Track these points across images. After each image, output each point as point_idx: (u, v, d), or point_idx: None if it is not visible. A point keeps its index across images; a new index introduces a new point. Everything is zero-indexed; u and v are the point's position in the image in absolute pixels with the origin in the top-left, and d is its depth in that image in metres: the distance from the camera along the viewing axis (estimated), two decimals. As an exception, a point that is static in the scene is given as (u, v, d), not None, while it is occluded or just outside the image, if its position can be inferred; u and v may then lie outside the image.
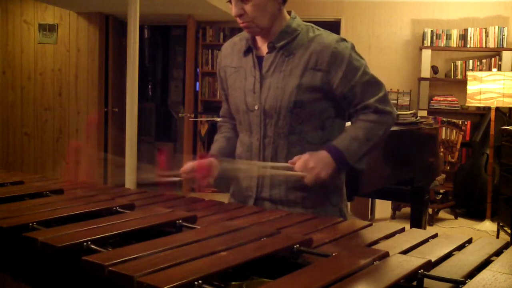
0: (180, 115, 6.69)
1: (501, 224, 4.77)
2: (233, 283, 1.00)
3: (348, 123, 1.75)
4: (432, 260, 1.03)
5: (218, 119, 1.95)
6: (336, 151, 1.59)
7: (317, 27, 1.70)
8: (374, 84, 1.67)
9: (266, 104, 1.65)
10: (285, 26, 1.66)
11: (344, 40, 1.66)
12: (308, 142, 1.66)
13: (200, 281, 0.88)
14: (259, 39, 1.71)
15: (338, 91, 1.63)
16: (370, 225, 1.36)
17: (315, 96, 1.62)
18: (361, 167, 1.65)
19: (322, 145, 1.64)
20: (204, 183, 1.67)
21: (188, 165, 1.70)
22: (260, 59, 1.69)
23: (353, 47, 1.67)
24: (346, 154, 1.60)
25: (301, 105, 1.62)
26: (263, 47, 1.70)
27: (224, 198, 1.79)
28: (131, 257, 0.98)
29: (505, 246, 1.18)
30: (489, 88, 5.24)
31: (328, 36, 1.65)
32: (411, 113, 3.47)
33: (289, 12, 1.70)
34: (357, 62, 1.65)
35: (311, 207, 1.67)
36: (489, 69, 6.09)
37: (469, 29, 6.24)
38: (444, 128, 6.15)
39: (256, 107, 1.67)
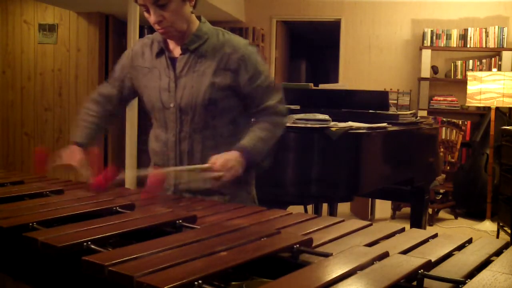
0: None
1: (501, 224, 4.77)
2: (233, 283, 1.00)
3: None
4: (432, 260, 1.03)
5: None
6: (246, 151, 1.73)
7: (226, 31, 1.83)
8: (274, 88, 1.84)
9: (181, 102, 1.76)
10: (196, 29, 1.78)
11: (252, 45, 1.82)
12: (221, 136, 1.79)
13: (200, 281, 0.88)
14: (171, 42, 1.81)
15: (244, 90, 1.77)
16: (370, 225, 1.36)
17: (226, 93, 1.76)
18: (265, 165, 1.85)
19: (232, 138, 1.78)
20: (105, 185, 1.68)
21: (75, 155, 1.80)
22: (172, 60, 1.79)
23: (258, 52, 1.83)
24: (254, 153, 1.75)
25: (214, 102, 1.75)
26: (175, 49, 1.80)
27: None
28: (131, 257, 0.98)
29: (505, 246, 1.18)
30: (489, 88, 5.24)
31: (237, 40, 1.80)
32: (411, 113, 3.47)
33: (198, 17, 1.81)
34: (262, 67, 1.81)
35: (228, 195, 1.79)
36: (489, 69, 6.09)
37: (469, 29, 6.24)
38: (444, 128, 6.15)
39: (171, 105, 1.77)
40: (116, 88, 1.94)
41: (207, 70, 1.74)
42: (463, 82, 5.88)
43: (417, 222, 3.67)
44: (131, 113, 4.83)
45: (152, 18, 1.68)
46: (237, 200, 1.78)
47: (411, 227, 3.37)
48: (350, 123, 2.89)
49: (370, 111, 3.27)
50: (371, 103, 3.37)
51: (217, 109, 1.76)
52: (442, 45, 6.31)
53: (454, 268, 1.02)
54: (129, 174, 1.78)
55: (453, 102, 6.36)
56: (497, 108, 5.42)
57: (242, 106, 1.82)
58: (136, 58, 1.87)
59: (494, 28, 6.17)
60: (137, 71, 1.86)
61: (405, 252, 1.12)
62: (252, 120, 1.84)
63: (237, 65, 1.75)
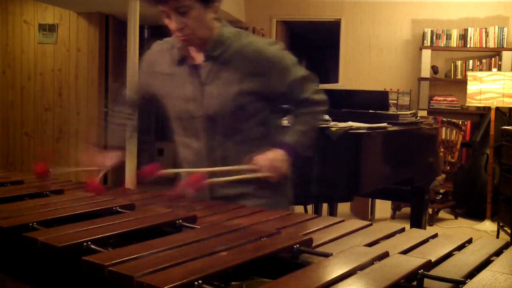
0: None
1: (501, 224, 4.77)
2: (233, 283, 1.00)
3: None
4: (432, 260, 1.03)
5: None
6: (289, 147, 1.72)
7: (247, 32, 1.77)
8: (308, 78, 1.77)
9: (209, 111, 1.71)
10: (218, 34, 1.70)
11: (275, 43, 1.75)
12: (251, 138, 1.75)
13: (200, 281, 0.87)
14: (192, 49, 1.73)
15: (277, 91, 1.73)
16: (370, 225, 1.36)
17: (254, 98, 1.71)
18: (310, 154, 1.86)
19: (263, 140, 1.75)
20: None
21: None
22: (195, 67, 1.72)
23: (283, 48, 1.76)
24: (298, 147, 1.74)
25: (242, 107, 1.70)
26: (198, 56, 1.73)
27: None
28: (131, 257, 0.98)
29: (505, 246, 1.18)
30: (489, 88, 5.24)
31: (261, 42, 1.74)
32: (411, 113, 3.47)
33: (218, 19, 1.74)
34: (290, 61, 1.74)
35: (263, 198, 1.74)
36: (489, 69, 6.09)
37: (469, 29, 6.24)
38: (444, 128, 6.15)
39: (199, 114, 1.72)
40: (139, 94, 1.95)
41: (233, 77, 1.68)
42: (463, 82, 5.88)
43: (417, 222, 3.67)
44: (131, 113, 4.82)
45: (173, 25, 1.61)
46: (273, 203, 1.73)
47: (411, 227, 3.37)
48: (350, 123, 2.89)
49: (370, 111, 3.27)
50: (371, 103, 3.37)
51: (245, 114, 1.71)
52: (442, 45, 6.31)
53: (454, 268, 1.02)
54: (171, 172, 1.77)
55: (453, 102, 6.36)
56: (497, 108, 5.42)
57: (269, 107, 1.77)
58: (156, 64, 1.81)
59: (494, 28, 6.17)
60: (156, 78, 1.81)
61: (405, 252, 1.12)
62: (292, 113, 1.82)
63: (265, 69, 1.69)
